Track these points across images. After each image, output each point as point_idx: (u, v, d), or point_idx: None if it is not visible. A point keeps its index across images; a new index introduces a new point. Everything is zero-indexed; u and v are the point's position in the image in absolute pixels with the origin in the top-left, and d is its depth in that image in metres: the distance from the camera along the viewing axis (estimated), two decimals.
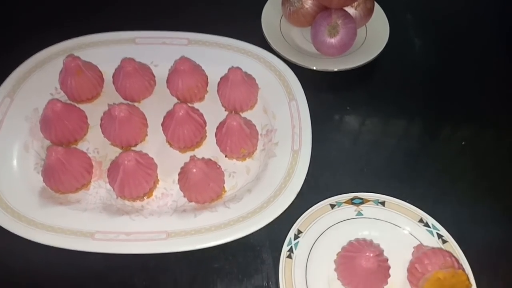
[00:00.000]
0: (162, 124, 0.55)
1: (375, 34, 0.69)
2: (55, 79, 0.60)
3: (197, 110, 0.55)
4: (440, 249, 0.46)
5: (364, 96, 0.66)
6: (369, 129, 0.63)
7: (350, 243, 0.47)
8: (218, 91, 0.59)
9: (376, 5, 0.70)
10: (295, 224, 0.48)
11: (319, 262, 0.47)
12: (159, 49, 0.64)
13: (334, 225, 0.49)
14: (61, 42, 0.63)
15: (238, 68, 0.56)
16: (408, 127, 0.64)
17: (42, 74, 0.60)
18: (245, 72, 0.57)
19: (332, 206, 0.50)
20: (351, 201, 0.50)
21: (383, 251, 0.46)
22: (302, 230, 0.48)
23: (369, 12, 0.68)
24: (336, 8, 0.64)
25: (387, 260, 0.45)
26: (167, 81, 0.60)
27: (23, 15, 0.72)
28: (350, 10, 0.66)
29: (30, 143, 0.56)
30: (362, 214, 0.50)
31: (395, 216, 0.49)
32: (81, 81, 0.57)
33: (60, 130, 0.53)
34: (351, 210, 0.50)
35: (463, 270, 0.44)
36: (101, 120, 0.55)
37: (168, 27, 0.66)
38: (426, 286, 0.43)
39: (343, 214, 0.49)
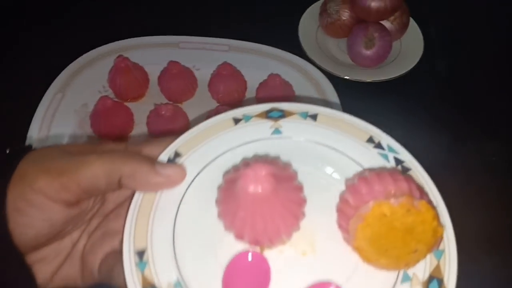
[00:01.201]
0: None
1: (409, 48, 0.71)
2: (103, 77, 0.64)
3: None
4: (391, 171, 0.29)
5: (395, 108, 0.67)
6: (397, 140, 0.64)
7: (243, 161, 0.33)
8: (256, 96, 0.62)
9: (411, 20, 0.72)
10: (172, 144, 0.33)
11: (203, 202, 0.31)
12: (201, 54, 0.67)
13: (234, 149, 0.33)
14: (111, 43, 0.67)
15: (277, 75, 0.59)
16: (437, 141, 0.65)
17: (91, 72, 0.64)
18: (283, 79, 0.60)
19: (237, 120, 0.34)
20: (266, 114, 0.34)
21: (294, 174, 0.31)
22: (181, 153, 0.33)
23: (404, 26, 0.70)
24: (373, 21, 0.66)
25: (300, 189, 0.30)
26: (209, 85, 0.63)
27: (76, 14, 0.77)
28: (386, 23, 0.68)
29: (78, 136, 0.60)
30: (281, 133, 0.34)
31: (330, 135, 0.34)
32: (128, 80, 0.61)
33: (109, 125, 0.57)
34: (264, 126, 0.34)
35: (429, 202, 0.28)
36: (147, 118, 0.58)
37: (210, 34, 0.69)
38: (360, 228, 0.27)
39: (252, 133, 0.34)
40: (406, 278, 0.28)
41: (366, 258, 0.29)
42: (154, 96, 0.64)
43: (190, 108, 0.62)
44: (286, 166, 0.31)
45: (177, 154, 0.33)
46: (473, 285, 0.49)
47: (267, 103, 0.35)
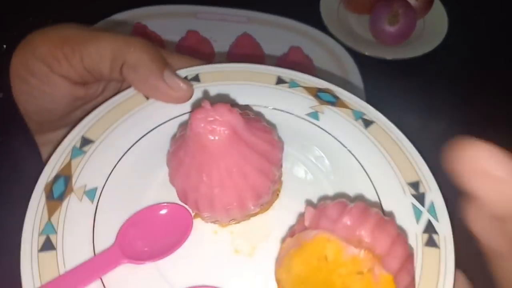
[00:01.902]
0: None
1: (432, 28, 0.69)
2: None
3: None
4: (386, 220, 0.21)
5: (414, 87, 0.66)
6: (414, 121, 0.63)
7: None
8: None
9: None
10: (197, 67, 0.30)
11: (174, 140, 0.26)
12: (218, 25, 0.65)
13: (255, 106, 0.29)
14: (127, 11, 0.66)
15: (299, 48, 0.58)
16: (455, 123, 0.64)
17: None
18: (304, 53, 0.58)
19: (280, 81, 0.30)
20: (316, 92, 0.29)
21: (277, 150, 0.24)
22: (201, 80, 0.29)
23: (429, 4, 0.68)
24: None
25: (270, 166, 0.24)
26: (227, 56, 0.62)
27: None
28: (411, 0, 0.66)
29: None
30: (318, 119, 0.28)
31: (372, 154, 0.27)
32: None
33: None
34: (304, 103, 0.29)
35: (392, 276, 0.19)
36: None
37: (229, 4, 0.67)
38: (291, 255, 0.20)
39: (286, 102, 0.29)
40: None
41: None
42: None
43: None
44: (271, 135, 0.24)
45: (197, 78, 0.29)
46: None
47: (323, 80, 0.30)
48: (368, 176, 0.26)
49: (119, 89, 0.31)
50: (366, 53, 0.64)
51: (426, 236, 0.24)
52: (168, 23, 0.65)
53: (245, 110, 0.25)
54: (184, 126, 0.24)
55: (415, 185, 0.26)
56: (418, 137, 0.60)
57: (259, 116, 0.28)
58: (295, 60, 0.57)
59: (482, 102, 0.64)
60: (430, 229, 0.24)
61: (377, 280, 0.18)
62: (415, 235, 0.24)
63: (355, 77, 0.60)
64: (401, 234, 0.21)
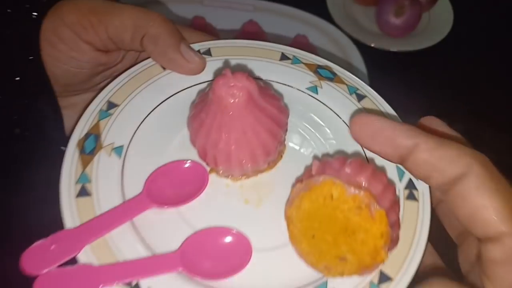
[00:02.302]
0: None
1: (438, 21, 0.69)
2: None
3: None
4: (380, 172, 0.24)
5: (418, 80, 0.66)
6: (418, 111, 0.63)
7: None
8: None
9: None
10: (209, 42, 0.32)
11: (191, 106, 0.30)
12: (225, 12, 0.65)
13: (260, 80, 0.31)
14: None
15: (305, 36, 0.58)
16: (456, 116, 0.64)
17: None
18: (310, 42, 0.59)
19: (284, 57, 0.33)
20: (316, 68, 0.32)
21: (284, 115, 0.28)
22: (213, 54, 0.32)
23: None
24: None
25: (279, 129, 0.27)
26: None
27: None
28: None
29: None
30: (317, 93, 0.32)
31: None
32: None
33: None
34: (305, 78, 0.32)
35: (392, 223, 0.23)
36: None
37: None
38: (301, 197, 0.23)
39: (288, 76, 0.32)
40: (322, 287, 0.24)
41: (292, 234, 0.24)
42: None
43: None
44: (279, 101, 0.28)
45: (208, 52, 0.32)
46: None
47: (322, 58, 0.33)
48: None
49: (136, 59, 0.33)
50: (372, 45, 0.64)
51: (407, 191, 0.27)
52: (174, 10, 0.65)
53: (258, 80, 0.28)
54: (203, 93, 0.28)
55: None
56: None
57: (268, 86, 0.31)
58: (300, 48, 0.57)
59: (486, 96, 0.64)
60: (410, 185, 0.28)
61: (373, 214, 0.22)
62: (398, 190, 0.27)
63: (360, 68, 0.60)
64: (391, 183, 0.26)
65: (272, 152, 0.27)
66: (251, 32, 0.59)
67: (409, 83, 0.66)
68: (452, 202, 0.22)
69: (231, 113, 0.25)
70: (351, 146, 0.29)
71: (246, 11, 0.66)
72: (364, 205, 0.22)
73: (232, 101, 0.25)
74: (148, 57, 0.31)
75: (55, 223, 0.25)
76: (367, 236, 0.22)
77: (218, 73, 0.31)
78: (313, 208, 0.23)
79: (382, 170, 0.28)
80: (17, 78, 0.29)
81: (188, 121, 0.28)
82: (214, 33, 0.62)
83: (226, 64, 0.32)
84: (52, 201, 0.25)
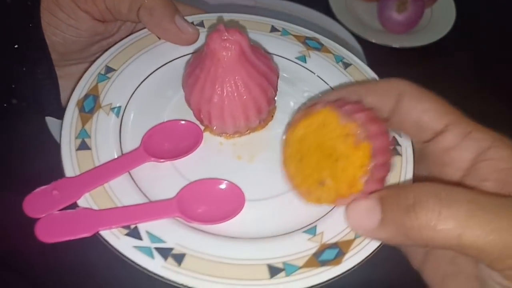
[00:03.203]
0: None
1: (440, 18, 0.69)
2: None
3: None
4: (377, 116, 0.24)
5: (419, 77, 0.66)
6: None
7: None
8: None
9: None
10: (202, 15, 0.34)
11: (187, 69, 0.30)
12: (226, 7, 0.65)
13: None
14: None
15: None
16: (462, 110, 0.63)
17: None
18: None
19: (273, 29, 0.35)
20: (304, 39, 0.34)
21: (273, 74, 0.29)
22: (205, 25, 0.33)
23: None
24: None
25: (270, 87, 0.28)
26: None
27: None
28: None
29: None
30: (305, 62, 0.33)
31: (349, 90, 0.28)
32: None
33: None
34: (294, 47, 0.34)
35: (375, 154, 0.22)
36: None
37: None
38: (298, 123, 0.24)
39: (278, 47, 0.34)
40: (311, 232, 0.26)
41: (284, 158, 0.25)
42: None
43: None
44: (270, 60, 0.29)
45: (201, 24, 0.33)
46: None
47: (310, 30, 0.35)
48: None
49: (132, 30, 0.34)
50: (373, 41, 0.64)
51: (391, 147, 0.28)
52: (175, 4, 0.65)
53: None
54: (197, 53, 0.29)
55: None
56: None
57: (259, 46, 0.32)
58: None
59: (489, 93, 0.64)
60: (395, 142, 0.29)
61: (358, 144, 0.22)
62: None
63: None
64: (388, 131, 0.25)
65: (264, 108, 0.28)
66: None
67: (411, 79, 0.65)
68: (399, 119, 0.26)
69: (224, 66, 0.26)
70: None
71: (247, 6, 0.65)
72: (351, 134, 0.22)
73: (225, 54, 0.26)
74: (144, 28, 0.32)
75: (53, 172, 0.26)
76: (348, 164, 0.22)
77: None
78: (305, 133, 0.24)
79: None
80: (16, 46, 0.30)
81: (183, 79, 0.29)
82: None
83: (220, 21, 0.33)
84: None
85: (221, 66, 0.26)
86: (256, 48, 0.29)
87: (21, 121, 0.34)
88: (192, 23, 0.32)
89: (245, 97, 0.27)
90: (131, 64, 0.31)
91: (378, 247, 0.25)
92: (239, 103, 0.27)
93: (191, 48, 0.32)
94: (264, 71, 0.28)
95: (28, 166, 0.39)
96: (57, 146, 0.27)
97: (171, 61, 0.32)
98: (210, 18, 0.34)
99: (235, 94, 0.27)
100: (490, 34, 0.71)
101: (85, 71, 0.30)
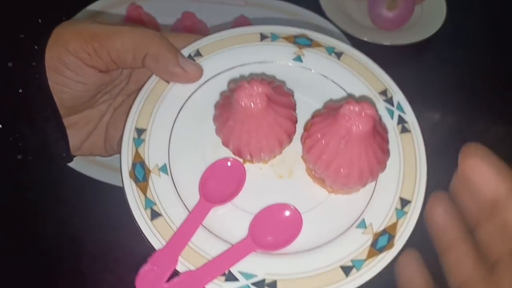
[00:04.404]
0: None
1: (430, 15, 0.69)
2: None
3: None
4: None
5: (411, 75, 0.66)
6: (412, 105, 0.63)
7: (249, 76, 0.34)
8: None
9: None
10: (197, 42, 0.34)
11: (207, 104, 0.33)
12: (215, 8, 0.65)
13: (251, 64, 0.34)
14: None
15: None
16: (450, 110, 0.64)
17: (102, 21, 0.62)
18: None
19: (263, 37, 0.35)
20: (294, 39, 0.35)
21: (291, 99, 0.31)
22: (202, 53, 0.34)
23: None
24: None
25: (293, 117, 0.31)
26: None
27: None
28: None
29: None
30: (301, 61, 0.34)
31: (347, 77, 0.34)
32: None
33: None
34: (288, 50, 0.34)
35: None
36: None
37: None
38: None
39: (273, 53, 0.34)
40: (362, 225, 0.30)
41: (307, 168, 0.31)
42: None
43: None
44: (285, 89, 0.32)
45: (198, 53, 0.34)
46: None
47: (296, 27, 0.36)
48: (349, 94, 0.34)
49: (132, 70, 0.36)
50: (365, 39, 0.63)
51: (400, 126, 0.32)
52: (163, 5, 0.64)
53: (262, 77, 0.32)
54: (222, 101, 0.31)
55: (383, 93, 0.34)
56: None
57: (271, 77, 0.34)
58: None
59: (479, 89, 0.64)
60: (401, 120, 0.32)
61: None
62: (393, 128, 0.32)
63: None
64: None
65: (292, 132, 0.31)
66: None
67: (403, 76, 0.65)
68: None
69: (256, 116, 0.29)
70: (341, 100, 0.33)
71: (237, 6, 0.65)
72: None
73: (255, 107, 0.28)
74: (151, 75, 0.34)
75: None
76: None
77: (213, 70, 0.34)
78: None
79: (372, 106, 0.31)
80: (23, 108, 0.30)
81: (217, 128, 0.31)
82: (205, 30, 0.61)
83: (214, 62, 0.34)
84: None
85: (253, 117, 0.29)
86: (272, 82, 0.31)
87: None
88: (190, 55, 0.34)
89: (279, 132, 0.30)
90: (156, 118, 0.32)
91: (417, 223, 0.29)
92: (275, 139, 0.30)
93: (198, 82, 0.34)
94: (286, 102, 0.30)
95: None
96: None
97: (187, 100, 0.33)
98: (203, 44, 0.34)
99: (270, 133, 0.30)
100: (481, 30, 0.71)
101: (93, 124, 0.34)
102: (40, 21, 0.32)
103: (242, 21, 0.58)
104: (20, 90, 0.30)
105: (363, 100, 0.30)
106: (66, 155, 0.33)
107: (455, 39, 0.69)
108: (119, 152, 0.31)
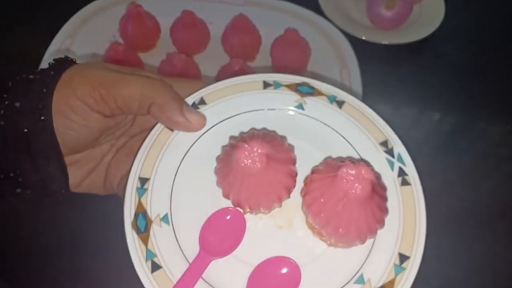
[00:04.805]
0: (216, 78, 0.56)
1: (429, 14, 0.69)
2: (113, 27, 0.62)
3: (250, 68, 0.56)
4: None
5: (409, 74, 0.66)
6: (409, 103, 0.63)
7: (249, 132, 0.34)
8: (271, 51, 0.60)
9: None
10: (201, 91, 0.35)
11: (209, 154, 0.34)
12: (214, 7, 0.65)
13: (255, 111, 0.35)
14: None
15: (295, 30, 0.57)
16: (448, 108, 0.64)
17: (101, 20, 0.62)
18: (301, 36, 0.58)
19: (266, 85, 0.35)
20: (296, 87, 0.35)
21: (291, 154, 0.32)
22: (207, 101, 0.35)
23: None
24: None
25: (293, 172, 0.31)
26: (222, 37, 0.61)
27: None
28: None
29: None
30: (303, 109, 0.35)
31: (348, 126, 0.34)
32: (140, 28, 0.59)
33: None
34: (290, 98, 0.35)
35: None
36: (158, 68, 0.57)
37: None
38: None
39: (276, 101, 0.35)
40: (360, 281, 0.30)
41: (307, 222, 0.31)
42: (165, 48, 0.62)
43: (202, 61, 0.61)
44: (286, 145, 0.32)
45: (202, 101, 0.35)
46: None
47: (299, 76, 0.36)
48: (350, 144, 0.34)
49: (135, 116, 0.37)
50: (363, 38, 0.64)
51: (400, 179, 0.32)
52: (163, 3, 0.64)
53: (263, 132, 0.32)
54: (223, 155, 0.32)
55: (384, 143, 0.33)
56: (414, 119, 0.61)
57: (271, 133, 0.34)
58: (291, 42, 0.56)
59: (478, 88, 0.64)
60: (401, 173, 0.32)
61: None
62: (393, 180, 0.32)
63: (352, 61, 0.60)
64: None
65: (292, 187, 0.31)
66: (240, 26, 0.58)
67: (401, 75, 0.66)
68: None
69: (256, 175, 0.29)
70: (342, 149, 0.34)
71: (236, 5, 0.65)
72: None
73: (255, 167, 0.29)
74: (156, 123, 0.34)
75: None
76: None
77: (216, 118, 0.34)
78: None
79: (372, 165, 0.33)
80: (27, 145, 0.31)
81: (218, 181, 0.31)
82: (204, 29, 0.61)
83: (217, 110, 0.34)
84: None
85: (253, 176, 0.29)
86: (273, 138, 0.31)
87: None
88: (194, 103, 0.34)
89: (278, 188, 0.30)
90: (159, 167, 0.33)
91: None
92: (274, 195, 0.30)
93: (202, 130, 0.34)
94: (286, 158, 0.31)
95: None
96: None
97: (189, 148, 0.34)
98: (208, 92, 0.35)
99: (270, 190, 0.30)
100: (480, 29, 0.71)
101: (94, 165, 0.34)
102: (52, 61, 0.32)
103: (241, 20, 0.58)
104: (25, 130, 0.30)
105: (361, 162, 0.30)
106: (64, 191, 0.34)
107: (453, 38, 0.69)
108: (119, 192, 0.31)
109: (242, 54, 0.59)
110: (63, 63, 0.32)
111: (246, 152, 0.29)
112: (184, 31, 0.59)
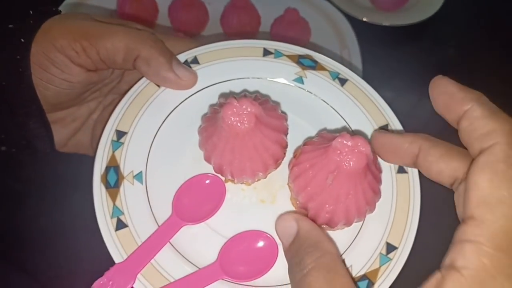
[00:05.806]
0: None
1: None
2: (112, 5, 0.61)
3: None
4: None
5: (411, 54, 0.66)
6: (411, 85, 0.63)
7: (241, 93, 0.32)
8: (271, 31, 0.59)
9: None
10: (196, 49, 0.33)
11: (195, 115, 0.31)
12: None
13: (249, 79, 0.32)
14: None
15: (295, 10, 0.56)
16: None
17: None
18: (301, 15, 0.57)
19: (266, 52, 0.33)
20: (298, 58, 0.33)
21: (283, 122, 0.29)
22: (200, 61, 0.32)
23: None
24: None
25: (283, 141, 0.29)
26: (222, 17, 0.60)
27: None
28: None
29: None
30: (303, 83, 0.33)
31: (348, 105, 0.32)
32: (137, 9, 0.58)
33: None
34: (290, 70, 0.33)
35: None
36: None
37: None
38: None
39: (274, 71, 0.33)
40: None
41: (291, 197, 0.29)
42: (163, 28, 0.61)
43: (201, 42, 0.60)
44: (279, 112, 0.29)
45: (196, 60, 0.32)
46: None
47: (302, 47, 0.33)
48: (348, 124, 0.32)
49: (124, 71, 0.34)
50: (364, 19, 0.63)
51: (396, 165, 0.30)
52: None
53: (256, 95, 0.29)
54: (210, 115, 0.29)
55: (384, 128, 0.31)
56: (414, 103, 0.61)
57: (265, 96, 0.32)
58: (291, 22, 0.56)
59: (479, 70, 0.64)
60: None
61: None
62: (389, 166, 0.30)
63: (352, 42, 0.59)
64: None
65: (280, 157, 0.29)
66: (240, 6, 0.57)
67: (402, 57, 0.65)
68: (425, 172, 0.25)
69: (242, 136, 0.26)
70: (339, 129, 0.32)
71: None
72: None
73: (242, 127, 0.26)
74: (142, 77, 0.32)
75: None
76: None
77: (208, 80, 0.32)
78: None
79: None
80: (6, 100, 0.29)
81: (200, 142, 0.29)
82: (203, 9, 0.60)
83: (210, 72, 0.32)
84: None
85: (239, 137, 0.27)
86: (265, 103, 0.29)
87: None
88: (186, 61, 0.32)
89: (264, 156, 0.28)
90: (140, 121, 0.30)
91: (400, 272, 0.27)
92: (259, 163, 0.28)
93: (191, 90, 0.32)
94: (277, 125, 0.28)
95: None
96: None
97: (176, 107, 0.31)
98: (203, 52, 0.32)
99: (255, 156, 0.28)
100: (480, 11, 0.71)
101: (81, 122, 0.31)
102: (31, 12, 0.30)
103: (240, 0, 0.57)
104: (3, 83, 0.29)
105: (359, 134, 0.28)
106: (50, 151, 0.33)
107: (454, 20, 0.68)
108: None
109: (241, 34, 0.59)
110: (45, 13, 0.30)
111: (234, 109, 0.26)
112: (182, 11, 0.58)
